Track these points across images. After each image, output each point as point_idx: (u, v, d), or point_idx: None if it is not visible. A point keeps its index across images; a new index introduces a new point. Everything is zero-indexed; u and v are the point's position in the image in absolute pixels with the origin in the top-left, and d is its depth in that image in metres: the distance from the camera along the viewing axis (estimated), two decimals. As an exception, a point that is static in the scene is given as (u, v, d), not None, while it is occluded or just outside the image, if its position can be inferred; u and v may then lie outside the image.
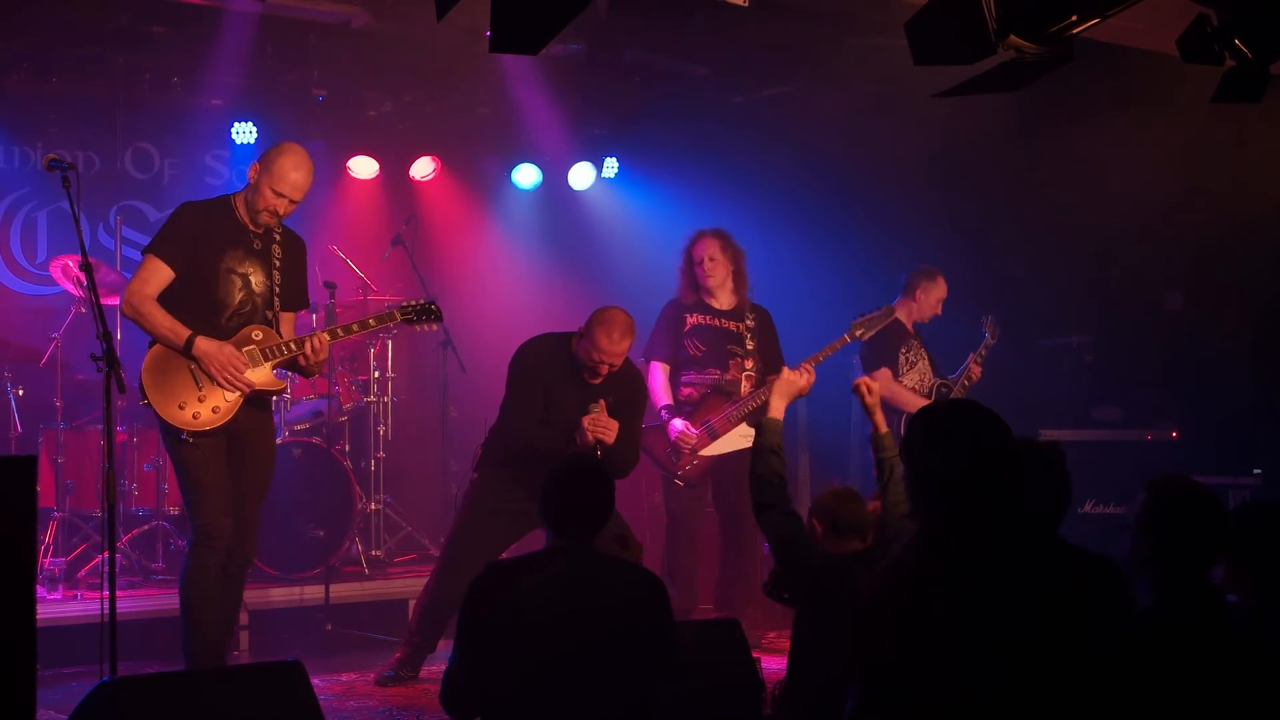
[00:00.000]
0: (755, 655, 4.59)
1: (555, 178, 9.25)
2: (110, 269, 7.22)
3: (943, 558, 2.90)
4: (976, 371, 7.21)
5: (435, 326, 5.88)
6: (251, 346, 5.10)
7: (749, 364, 6.56)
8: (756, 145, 8.69)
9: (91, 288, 4.58)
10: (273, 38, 7.55)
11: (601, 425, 5.41)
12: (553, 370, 5.56)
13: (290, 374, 5.99)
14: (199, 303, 5.05)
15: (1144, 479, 3.21)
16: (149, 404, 5.00)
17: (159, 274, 5.01)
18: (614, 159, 9.30)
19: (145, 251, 5.07)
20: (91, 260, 4.68)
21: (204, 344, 4.98)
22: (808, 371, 6.20)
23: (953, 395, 7.09)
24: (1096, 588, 3.42)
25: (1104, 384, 8.31)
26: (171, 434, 5.02)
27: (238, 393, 5.04)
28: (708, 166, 8.87)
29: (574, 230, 9.39)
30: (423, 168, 8.96)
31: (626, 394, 5.62)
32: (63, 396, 7.06)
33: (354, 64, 7.91)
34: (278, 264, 5.21)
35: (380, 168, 8.79)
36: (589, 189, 9.34)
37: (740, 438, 6.25)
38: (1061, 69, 4.33)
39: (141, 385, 4.98)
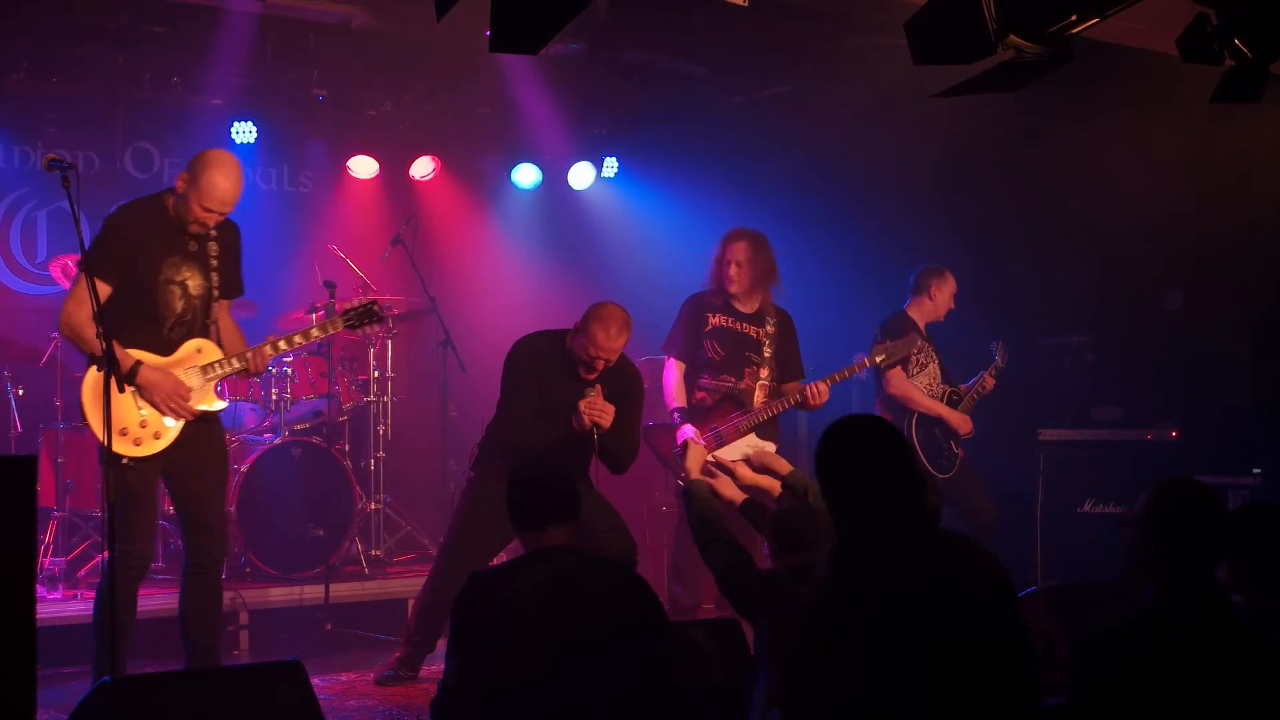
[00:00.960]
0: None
1: (555, 177, 9.25)
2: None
3: (834, 570, 2.93)
4: (990, 383, 7.23)
5: (377, 328, 5.85)
6: (193, 366, 5.02)
7: (764, 373, 6.51)
8: (756, 145, 8.68)
9: (91, 287, 4.57)
10: (273, 37, 7.55)
11: (598, 409, 5.38)
12: (548, 367, 5.54)
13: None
14: (140, 315, 4.95)
15: (1144, 479, 3.20)
16: (88, 426, 4.89)
17: (97, 292, 4.78)
18: (614, 159, 9.30)
19: (81, 268, 4.80)
20: (91, 260, 4.67)
21: (147, 374, 4.88)
22: (821, 392, 6.24)
23: (963, 405, 7.10)
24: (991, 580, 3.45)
25: (1104, 384, 8.30)
26: (111, 459, 4.82)
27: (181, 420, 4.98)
28: (708, 166, 8.86)
29: (574, 230, 9.39)
30: (422, 167, 8.96)
31: (623, 389, 5.59)
32: (63, 396, 7.06)
33: (354, 64, 7.91)
34: (214, 263, 5.10)
35: (380, 167, 8.80)
36: (589, 189, 9.34)
37: (747, 446, 6.25)
38: (1061, 69, 4.34)
39: (82, 408, 4.86)
